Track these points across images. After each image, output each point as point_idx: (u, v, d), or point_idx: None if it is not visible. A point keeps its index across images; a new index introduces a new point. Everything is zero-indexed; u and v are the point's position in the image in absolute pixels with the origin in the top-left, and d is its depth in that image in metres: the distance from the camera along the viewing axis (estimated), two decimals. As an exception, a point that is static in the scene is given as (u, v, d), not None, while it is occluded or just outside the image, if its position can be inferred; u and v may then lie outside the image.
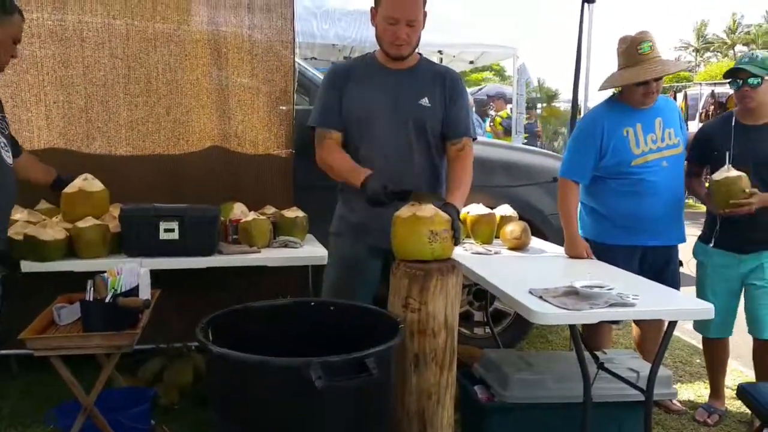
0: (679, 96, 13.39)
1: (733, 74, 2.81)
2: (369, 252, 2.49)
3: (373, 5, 2.41)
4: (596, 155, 2.86)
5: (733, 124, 2.84)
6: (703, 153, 2.96)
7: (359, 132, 2.46)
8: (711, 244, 2.93)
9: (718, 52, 49.69)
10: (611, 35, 2.94)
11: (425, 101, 2.44)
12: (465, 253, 2.92)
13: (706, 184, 2.94)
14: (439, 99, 2.47)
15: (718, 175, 2.72)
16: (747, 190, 2.66)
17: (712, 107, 12.16)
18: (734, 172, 2.70)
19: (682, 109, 9.62)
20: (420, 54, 2.54)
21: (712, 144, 2.89)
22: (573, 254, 2.88)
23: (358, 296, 2.37)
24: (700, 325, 3.05)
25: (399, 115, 2.43)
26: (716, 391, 3.11)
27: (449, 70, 2.61)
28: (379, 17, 2.38)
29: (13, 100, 3.11)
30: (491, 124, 9.25)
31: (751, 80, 2.72)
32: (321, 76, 3.89)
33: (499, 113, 9.13)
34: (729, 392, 3.14)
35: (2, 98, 3.09)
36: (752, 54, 2.84)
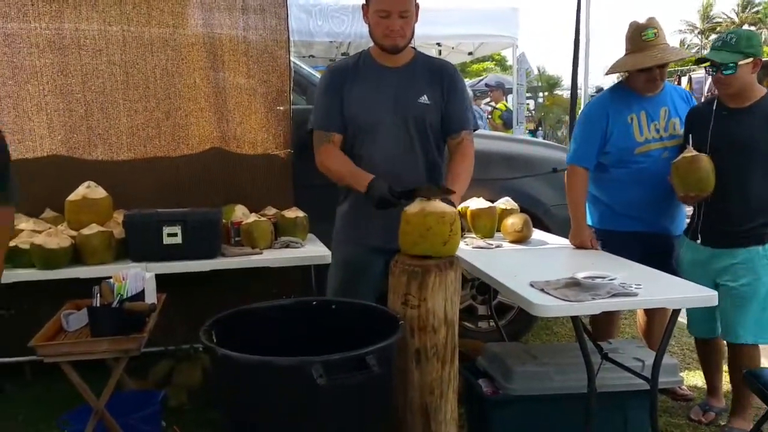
0: (684, 80, 13.30)
1: (705, 62, 2.70)
2: (371, 252, 2.49)
3: (364, 2, 2.41)
4: (601, 140, 2.86)
5: (714, 106, 2.69)
6: (687, 136, 2.82)
7: (360, 133, 2.45)
8: (689, 236, 2.78)
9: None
10: (613, 20, 2.93)
11: (425, 99, 2.44)
12: (466, 247, 2.93)
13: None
14: (438, 95, 2.47)
15: (677, 158, 2.64)
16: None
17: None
18: (690, 153, 2.59)
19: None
20: (414, 48, 2.54)
21: (693, 126, 2.75)
22: (577, 242, 2.88)
23: (361, 296, 2.36)
24: (691, 326, 2.92)
25: (399, 115, 2.42)
26: (713, 389, 2.98)
27: (446, 63, 2.61)
28: (371, 12, 2.37)
29: (15, 110, 3.15)
30: (489, 117, 9.04)
31: (724, 70, 2.55)
32: (318, 75, 3.92)
33: (497, 106, 8.94)
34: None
35: (5, 109, 3.15)
36: (726, 36, 2.59)
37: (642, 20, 2.87)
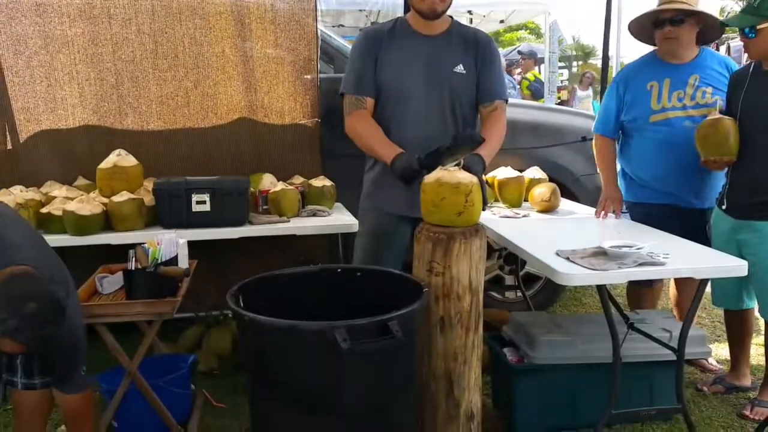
0: (722, 48, 12.85)
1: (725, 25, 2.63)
2: (397, 221, 2.50)
3: None
4: (617, 107, 2.84)
5: (751, 69, 2.58)
6: (727, 100, 2.73)
7: (391, 100, 2.43)
8: (719, 206, 2.68)
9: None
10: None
11: (460, 68, 2.42)
12: (493, 217, 2.92)
13: None
14: (472, 64, 2.44)
15: (702, 121, 2.57)
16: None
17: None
18: (713, 116, 2.51)
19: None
20: (451, 17, 2.50)
21: (732, 90, 2.66)
22: (605, 196, 2.88)
23: (387, 264, 2.37)
24: (714, 296, 2.82)
25: (433, 83, 2.40)
26: (735, 364, 2.88)
27: (480, 33, 2.57)
28: None
29: (47, 80, 3.21)
30: (518, 87, 8.89)
31: (747, 32, 2.44)
32: (346, 44, 3.89)
33: (526, 75, 8.71)
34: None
35: (37, 78, 3.21)
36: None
37: None
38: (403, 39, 2.44)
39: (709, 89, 2.76)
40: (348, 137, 2.49)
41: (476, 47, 2.45)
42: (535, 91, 8.20)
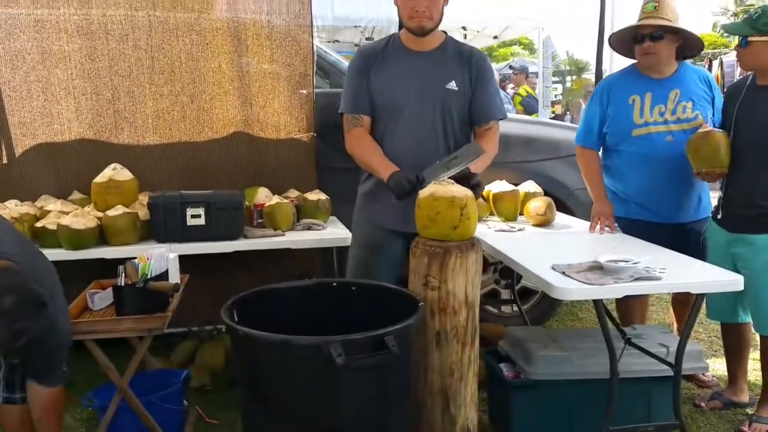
0: (715, 63, 12.96)
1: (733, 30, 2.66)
2: (389, 235, 2.50)
3: None
4: (600, 120, 2.84)
5: (747, 83, 2.61)
6: (723, 112, 2.76)
7: (384, 115, 2.45)
8: (713, 219, 2.69)
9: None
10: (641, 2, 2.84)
11: (452, 85, 2.42)
12: (488, 230, 2.91)
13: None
14: (465, 81, 2.45)
15: (694, 134, 2.59)
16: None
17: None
18: (705, 129, 2.55)
19: (717, 78, 9.15)
20: (445, 33, 2.52)
21: (728, 101, 2.69)
22: (595, 211, 2.85)
23: (380, 277, 2.39)
24: (708, 309, 2.81)
25: (425, 99, 2.41)
26: (732, 379, 2.85)
27: (475, 50, 2.58)
28: None
29: (44, 94, 3.21)
30: (512, 102, 8.89)
31: (742, 42, 2.49)
32: (342, 59, 3.91)
33: (518, 91, 8.64)
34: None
35: (34, 93, 3.21)
36: (753, 11, 2.51)
37: None
38: (395, 56, 2.46)
39: (690, 104, 2.76)
40: (347, 154, 2.51)
41: (470, 65, 2.46)
42: (528, 106, 8.20)
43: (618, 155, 2.86)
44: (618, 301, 3.14)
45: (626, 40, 2.83)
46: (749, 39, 2.45)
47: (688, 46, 2.79)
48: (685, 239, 2.77)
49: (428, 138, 2.43)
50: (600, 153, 2.96)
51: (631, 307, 3.03)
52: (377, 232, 2.52)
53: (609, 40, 2.91)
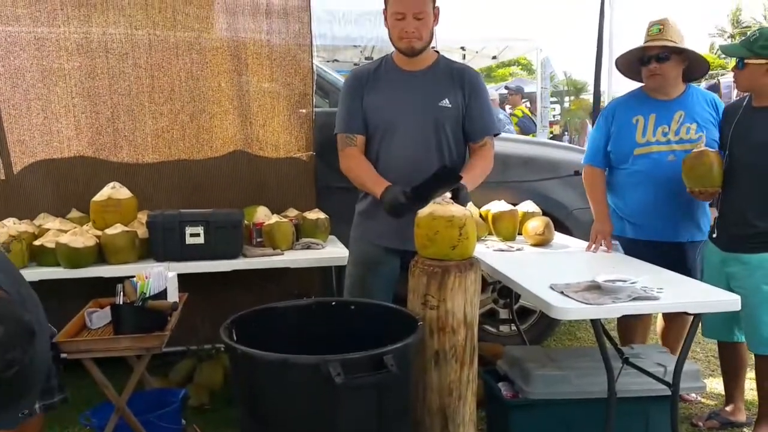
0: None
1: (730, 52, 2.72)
2: (385, 252, 2.52)
3: (384, 7, 2.43)
4: (605, 138, 2.89)
5: (744, 102, 2.66)
6: (720, 133, 2.80)
7: (378, 134, 2.48)
8: (710, 235, 2.74)
9: (753, 37, 47.72)
10: (641, 23, 2.89)
11: (445, 102, 2.45)
12: (487, 250, 2.92)
13: None
14: (459, 99, 2.48)
15: (689, 154, 2.65)
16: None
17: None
18: (698, 149, 2.60)
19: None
20: (437, 52, 2.55)
21: (725, 122, 2.73)
22: (595, 230, 2.88)
23: (376, 295, 2.40)
24: (704, 328, 2.82)
25: (419, 118, 2.44)
26: (729, 398, 2.87)
27: (467, 68, 2.62)
28: (388, 15, 2.40)
29: (44, 112, 3.23)
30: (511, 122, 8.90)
31: (739, 63, 2.55)
32: (341, 78, 3.94)
33: (514, 111, 8.65)
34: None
35: (34, 111, 3.22)
36: (751, 34, 2.55)
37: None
38: (388, 76, 2.50)
39: (694, 125, 2.78)
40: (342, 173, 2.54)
41: (463, 82, 2.48)
42: (524, 127, 8.23)
43: (620, 173, 2.90)
44: (619, 320, 3.14)
45: (633, 63, 2.87)
46: (746, 61, 2.50)
47: (695, 67, 2.84)
48: (682, 258, 2.80)
49: (423, 155, 2.44)
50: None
51: (632, 327, 3.03)
52: (373, 250, 2.54)
53: (616, 63, 2.96)
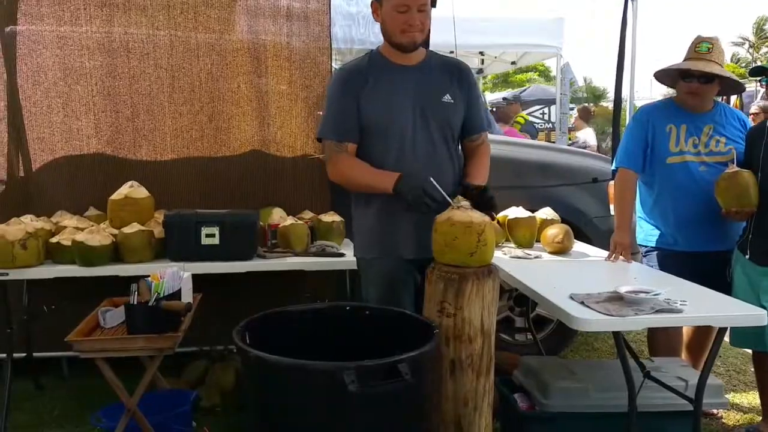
0: (733, 96, 12.87)
1: (759, 73, 2.75)
2: (407, 264, 2.34)
3: (373, 0, 2.28)
4: (645, 144, 2.85)
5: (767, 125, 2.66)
6: (746, 152, 2.78)
7: (380, 136, 2.29)
8: (741, 252, 2.69)
9: (777, 47, 47.52)
10: (664, 30, 2.85)
11: (448, 98, 2.33)
12: (504, 257, 2.88)
13: None
14: (458, 94, 2.36)
15: (722, 174, 2.63)
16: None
17: (770, 106, 11.63)
18: (732, 169, 2.58)
19: (736, 106, 9.16)
20: (424, 47, 2.39)
21: (753, 141, 2.70)
22: (614, 241, 2.80)
23: (406, 308, 2.24)
24: (732, 336, 2.76)
25: (424, 116, 2.30)
26: (767, 412, 2.81)
27: (460, 61, 2.51)
28: (385, 8, 2.24)
29: (64, 110, 3.25)
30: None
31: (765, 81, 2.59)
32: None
33: (515, 119, 8.52)
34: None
35: (54, 109, 3.24)
36: None
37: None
38: (385, 73, 2.31)
39: (723, 139, 2.79)
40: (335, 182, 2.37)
41: (461, 76, 2.39)
42: (529, 133, 8.33)
43: (650, 180, 2.88)
44: (650, 331, 3.07)
45: (672, 74, 2.86)
46: None
47: (729, 88, 2.91)
48: (711, 268, 2.75)
49: (426, 152, 2.30)
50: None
51: (660, 339, 2.94)
52: (397, 266, 2.34)
53: (655, 73, 2.94)
